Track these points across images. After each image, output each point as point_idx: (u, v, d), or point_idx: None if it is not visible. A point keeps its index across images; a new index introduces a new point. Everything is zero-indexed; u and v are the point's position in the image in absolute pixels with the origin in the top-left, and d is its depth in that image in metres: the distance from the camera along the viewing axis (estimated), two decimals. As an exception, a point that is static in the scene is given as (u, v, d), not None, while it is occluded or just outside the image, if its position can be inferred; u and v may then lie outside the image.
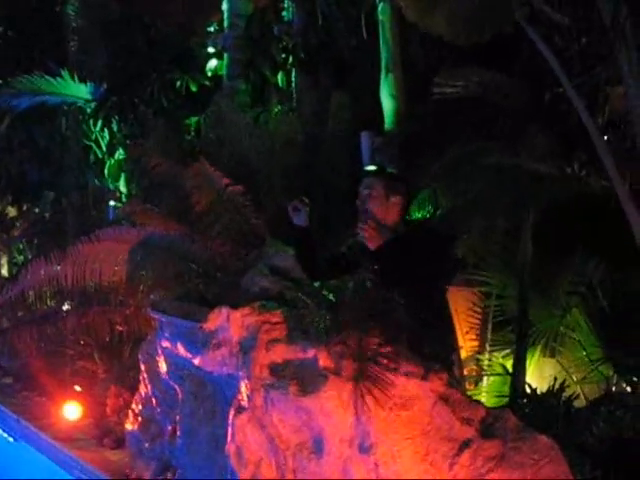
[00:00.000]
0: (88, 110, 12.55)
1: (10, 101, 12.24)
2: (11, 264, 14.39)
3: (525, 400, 7.50)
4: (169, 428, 7.39)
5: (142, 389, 7.80)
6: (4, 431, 9.32)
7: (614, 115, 7.52)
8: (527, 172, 6.93)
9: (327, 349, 5.63)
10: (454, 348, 6.50)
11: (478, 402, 6.04)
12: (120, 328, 8.43)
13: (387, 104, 8.38)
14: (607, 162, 6.30)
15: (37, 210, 14.63)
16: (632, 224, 6.22)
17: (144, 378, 7.71)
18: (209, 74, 11.82)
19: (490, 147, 7.06)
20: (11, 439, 9.16)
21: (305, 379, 5.67)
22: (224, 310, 6.13)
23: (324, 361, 5.67)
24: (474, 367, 8.19)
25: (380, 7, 8.80)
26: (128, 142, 11.40)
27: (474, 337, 8.23)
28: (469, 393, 6.98)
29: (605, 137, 7.03)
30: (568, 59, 7.18)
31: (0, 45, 14.57)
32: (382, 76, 8.36)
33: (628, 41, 6.18)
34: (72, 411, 8.92)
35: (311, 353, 5.74)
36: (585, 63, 7.41)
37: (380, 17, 8.80)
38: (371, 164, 8.02)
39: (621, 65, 6.29)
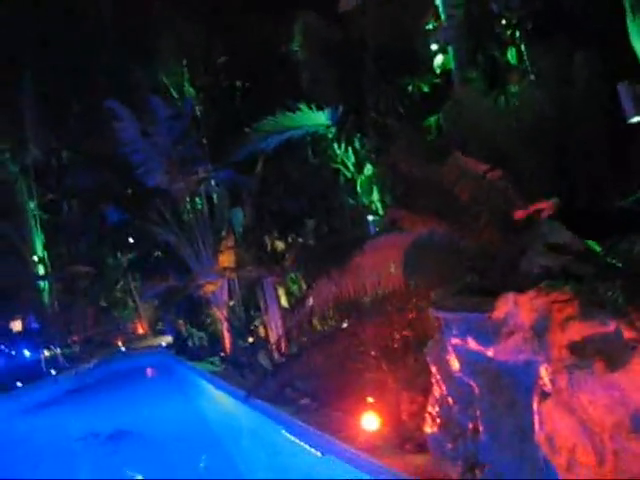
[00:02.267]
0: (330, 135, 13.09)
1: (260, 144, 13.18)
2: (288, 294, 15.33)
3: None
4: (470, 426, 7.32)
5: (436, 390, 7.82)
6: (311, 447, 9.88)
7: None
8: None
9: (630, 319, 5.28)
10: None
11: None
12: (404, 334, 8.55)
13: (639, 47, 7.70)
14: None
15: (301, 239, 15.49)
16: None
17: (437, 379, 7.71)
18: (438, 71, 11.78)
19: None
20: (319, 454, 9.68)
21: (611, 354, 5.35)
22: (510, 296, 5.97)
23: (628, 333, 5.31)
24: None
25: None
26: (373, 156, 11.69)
27: None
28: None
29: None
30: None
31: (242, 97, 15.82)
32: (628, 19, 7.72)
33: None
34: (370, 421, 9.21)
35: (612, 326, 5.39)
36: None
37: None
38: (636, 115, 7.43)
39: None
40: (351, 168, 13.05)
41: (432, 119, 10.91)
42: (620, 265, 5.86)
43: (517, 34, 10.29)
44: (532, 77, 9.38)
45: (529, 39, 9.97)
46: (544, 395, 5.87)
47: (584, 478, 5.67)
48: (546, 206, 6.32)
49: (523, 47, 10.11)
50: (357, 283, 8.02)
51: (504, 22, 10.66)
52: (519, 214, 6.56)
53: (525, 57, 9.90)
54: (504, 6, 10.58)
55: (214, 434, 12.95)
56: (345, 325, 9.85)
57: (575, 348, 5.55)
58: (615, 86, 7.57)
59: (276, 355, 13.37)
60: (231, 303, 17.63)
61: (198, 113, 17.91)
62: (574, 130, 7.76)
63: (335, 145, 13.05)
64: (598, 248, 6.02)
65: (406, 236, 7.39)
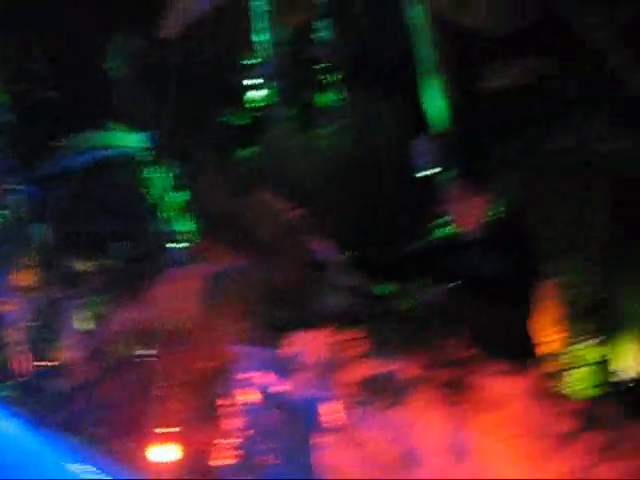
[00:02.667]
0: (144, 158, 12.76)
1: (72, 161, 12.56)
2: (89, 318, 14.66)
3: (621, 389, 7.22)
4: (265, 459, 7.37)
5: (230, 423, 7.81)
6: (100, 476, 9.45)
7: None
8: (596, 153, 6.72)
9: (412, 359, 5.57)
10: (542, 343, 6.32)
11: (572, 395, 5.86)
12: (201, 365, 8.47)
13: (435, 106, 8.26)
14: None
15: (106, 262, 14.90)
16: None
17: (231, 412, 7.71)
18: (255, 105, 11.88)
19: (549, 134, 6.89)
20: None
21: (393, 392, 5.61)
22: (302, 334, 6.12)
23: (410, 372, 5.60)
24: (562, 360, 7.93)
25: (414, 11, 8.70)
26: (184, 184, 11.53)
27: (562, 329, 7.98)
28: (562, 386, 6.76)
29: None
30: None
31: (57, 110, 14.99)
32: (426, 79, 8.25)
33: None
34: (164, 452, 8.96)
35: (395, 366, 5.67)
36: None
37: (415, 21, 8.70)
38: (429, 168, 7.90)
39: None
40: (163, 194, 12.79)
41: (245, 152, 10.97)
42: (405, 308, 6.19)
43: (335, 78, 10.62)
44: (343, 123, 9.70)
45: (345, 85, 10.33)
46: (330, 430, 6.03)
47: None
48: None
49: (340, 92, 10.45)
50: (158, 311, 7.85)
51: (323, 65, 10.99)
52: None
53: (340, 101, 10.24)
54: (324, 50, 10.92)
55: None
56: (146, 353, 9.57)
57: (360, 386, 5.75)
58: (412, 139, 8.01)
59: (71, 381, 12.70)
60: (28, 324, 16.54)
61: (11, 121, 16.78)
62: (375, 177, 8.13)
63: (149, 169, 12.74)
64: (386, 291, 6.32)
65: (209, 268, 7.36)
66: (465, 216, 5.93)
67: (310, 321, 6.31)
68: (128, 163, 13.06)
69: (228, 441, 7.88)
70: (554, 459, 5.18)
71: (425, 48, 8.08)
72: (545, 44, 7.74)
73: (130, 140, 12.20)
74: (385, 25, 9.61)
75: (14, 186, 16.43)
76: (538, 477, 5.18)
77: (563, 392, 5.73)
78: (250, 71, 11.40)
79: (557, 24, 7.36)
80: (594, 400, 5.54)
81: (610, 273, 7.47)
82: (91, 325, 13.95)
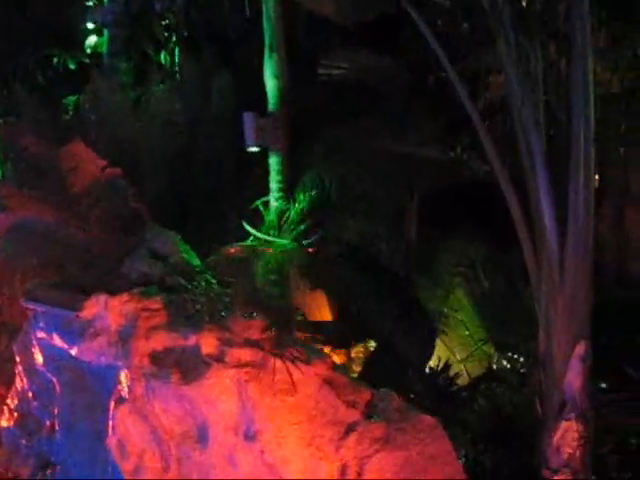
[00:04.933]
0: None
1: None
2: None
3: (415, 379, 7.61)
4: (47, 423, 7.10)
5: (18, 383, 7.44)
6: None
7: (494, 101, 7.70)
8: (411, 156, 6.99)
9: (209, 336, 5.52)
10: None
11: (363, 384, 6.06)
12: (-8, 320, 7.96)
13: (271, 84, 8.21)
14: (487, 146, 6.42)
15: None
16: (510, 206, 6.38)
17: (19, 371, 7.34)
18: (88, 51, 11.29)
19: (374, 130, 7.07)
20: None
21: (187, 367, 5.54)
22: (101, 297, 5.89)
23: (206, 348, 5.55)
24: (361, 349, 8.24)
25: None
26: (1, 121, 10.74)
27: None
28: (355, 375, 7.01)
29: (486, 122, 7.17)
30: (450, 44, 7.26)
31: None
32: (266, 56, 8.20)
33: (506, 27, 6.29)
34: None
35: (193, 340, 5.59)
36: (467, 48, 7.51)
37: (265, -4, 8.62)
38: (255, 144, 7.89)
39: (500, 50, 6.40)
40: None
41: (72, 99, 10.40)
42: (215, 282, 6.12)
43: (173, 38, 10.33)
44: (177, 84, 9.46)
45: (183, 46, 10.08)
46: (121, 400, 5.90)
47: (148, 482, 5.78)
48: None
49: (176, 52, 10.18)
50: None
51: (164, 23, 10.63)
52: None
53: (175, 62, 9.97)
54: (167, 7, 10.56)
55: None
56: None
57: (156, 358, 5.66)
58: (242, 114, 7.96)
59: None
60: None
61: None
62: (203, 147, 8.02)
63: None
64: (197, 261, 6.23)
65: (9, 217, 6.89)
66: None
67: (115, 286, 6.09)
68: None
69: (14, 401, 7.52)
70: (335, 447, 5.33)
71: (270, 24, 8.03)
72: (386, 40, 7.94)
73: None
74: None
75: None
76: (318, 463, 5.32)
77: (356, 381, 5.90)
78: (92, 14, 10.84)
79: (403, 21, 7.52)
80: (382, 391, 5.74)
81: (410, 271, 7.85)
82: None
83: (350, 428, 5.40)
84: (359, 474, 5.35)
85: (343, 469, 5.38)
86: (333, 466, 5.39)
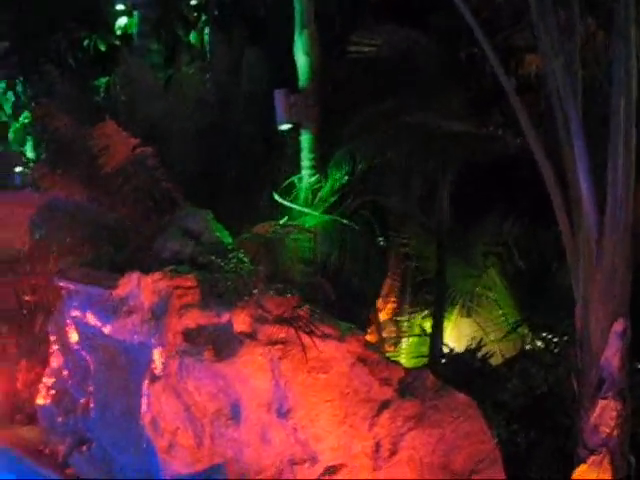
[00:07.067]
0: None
1: None
2: None
3: (444, 360, 7.56)
4: (82, 401, 7.17)
5: (53, 362, 7.53)
6: None
7: (528, 77, 7.54)
8: (444, 131, 6.88)
9: (242, 313, 5.51)
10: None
11: (397, 362, 6.04)
12: (28, 299, 8.04)
13: (301, 61, 8.15)
14: (523, 121, 6.30)
15: None
16: (547, 183, 6.26)
17: (54, 350, 7.44)
18: (118, 33, 11.36)
19: (406, 106, 6.97)
20: None
21: (220, 344, 5.55)
22: (134, 275, 5.91)
23: (239, 325, 5.55)
24: (393, 329, 8.20)
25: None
26: (33, 104, 10.83)
27: (393, 299, 8.24)
28: (388, 354, 6.98)
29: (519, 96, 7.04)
30: (485, 18, 7.12)
31: None
32: (296, 33, 8.14)
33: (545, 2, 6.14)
34: (-17, 390, 8.51)
35: (225, 317, 5.59)
36: (501, 23, 7.38)
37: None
38: (287, 122, 7.85)
39: (536, 26, 6.25)
40: (8, 112, 11.98)
41: (103, 80, 10.47)
42: (247, 261, 6.11)
43: (203, 18, 10.34)
44: (207, 63, 9.47)
45: (213, 25, 10.07)
46: (154, 378, 5.91)
47: (182, 459, 5.81)
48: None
49: (206, 32, 10.18)
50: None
51: (193, 3, 10.66)
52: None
53: (204, 42, 9.98)
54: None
55: None
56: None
57: (189, 335, 5.66)
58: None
59: None
60: None
61: None
62: (234, 126, 7.99)
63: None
64: (229, 239, 6.22)
65: (41, 197, 6.95)
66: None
67: (147, 264, 6.10)
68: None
69: (51, 380, 7.61)
70: (369, 424, 5.32)
71: (300, 1, 7.96)
72: (418, 15, 7.82)
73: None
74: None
75: None
76: (351, 440, 5.31)
77: (390, 359, 5.88)
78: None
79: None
80: (416, 369, 5.72)
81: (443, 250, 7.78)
82: None
83: (383, 406, 5.38)
84: (392, 452, 5.34)
85: (376, 447, 5.38)
86: (366, 443, 5.38)
